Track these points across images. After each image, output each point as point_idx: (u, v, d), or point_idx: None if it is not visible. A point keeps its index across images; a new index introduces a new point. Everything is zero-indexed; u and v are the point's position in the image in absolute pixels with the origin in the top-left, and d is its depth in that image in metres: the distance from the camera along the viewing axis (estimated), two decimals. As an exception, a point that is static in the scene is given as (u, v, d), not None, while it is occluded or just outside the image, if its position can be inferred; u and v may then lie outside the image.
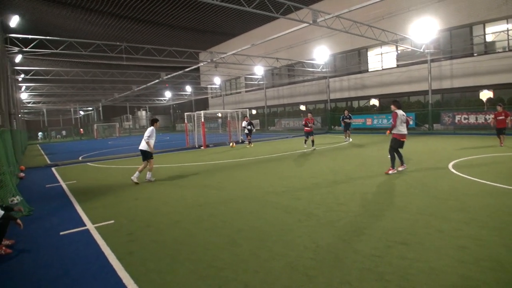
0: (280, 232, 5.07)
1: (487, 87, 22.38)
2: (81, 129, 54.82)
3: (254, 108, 42.70)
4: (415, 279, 3.49)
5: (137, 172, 9.69)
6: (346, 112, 19.66)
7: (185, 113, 24.08)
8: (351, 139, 19.89)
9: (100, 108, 61.14)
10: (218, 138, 27.21)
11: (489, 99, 21.80)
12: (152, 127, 9.69)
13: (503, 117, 13.59)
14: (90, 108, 69.83)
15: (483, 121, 20.37)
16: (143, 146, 9.60)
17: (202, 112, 21.79)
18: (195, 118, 23.05)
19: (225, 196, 7.58)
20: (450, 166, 9.73)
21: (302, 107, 37.12)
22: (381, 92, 28.40)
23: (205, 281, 3.67)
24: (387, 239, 4.59)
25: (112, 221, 6.07)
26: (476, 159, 10.89)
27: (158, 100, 59.96)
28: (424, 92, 24.55)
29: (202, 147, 20.47)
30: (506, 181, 7.51)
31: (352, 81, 30.68)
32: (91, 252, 4.73)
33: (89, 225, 5.92)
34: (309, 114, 16.21)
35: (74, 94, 46.03)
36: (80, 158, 18.35)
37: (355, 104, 31.08)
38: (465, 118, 21.28)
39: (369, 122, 26.75)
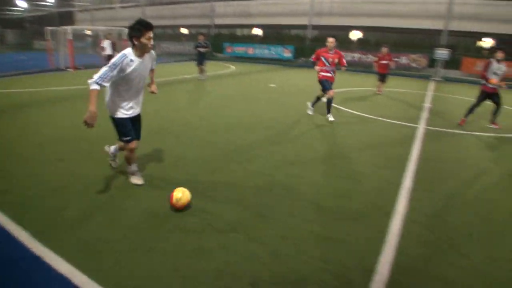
0: (175, 158, 5.03)
1: (358, 28, 24.64)
2: None
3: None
4: (300, 191, 3.98)
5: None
6: (201, 37, 14.08)
7: (47, 28, 20.49)
8: (206, 76, 14.63)
9: None
10: (88, 59, 24.23)
11: (359, 39, 24.21)
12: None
13: (387, 62, 12.08)
14: None
15: (351, 58, 22.75)
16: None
17: (69, 27, 18.82)
18: (60, 35, 19.83)
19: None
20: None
21: (184, 31, 35.29)
22: (265, 22, 28.74)
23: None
24: (275, 160, 5.01)
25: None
26: (342, 92, 12.29)
27: (9, 10, 49.07)
28: (304, 27, 25.78)
29: (70, 69, 18.09)
30: (363, 109, 8.79)
31: (237, 7, 30.08)
32: None
33: None
34: (330, 40, 7.67)
35: None
36: None
37: (239, 32, 30.95)
38: (336, 55, 23.43)
39: (251, 51, 27.16)
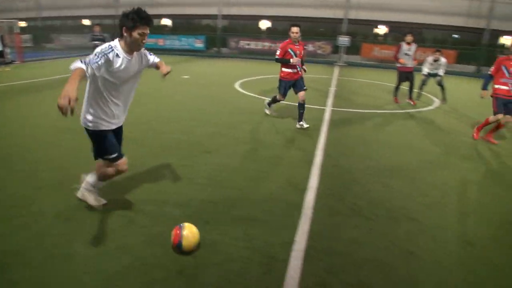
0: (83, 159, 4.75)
1: (267, 17, 25.32)
2: None
3: (23, 20, 34.70)
4: (219, 178, 4.09)
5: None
6: (96, 28, 12.55)
7: None
8: None
9: None
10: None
11: (268, 28, 24.92)
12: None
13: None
14: None
15: (261, 47, 23.40)
16: None
17: None
18: None
19: (11, 128, 6.31)
20: (237, 85, 11.02)
21: (86, 22, 32.71)
22: (174, 12, 27.97)
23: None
24: (193, 149, 5.04)
25: None
26: (257, 80, 12.67)
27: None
28: (214, 16, 25.70)
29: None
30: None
31: (143, -2, 28.78)
32: None
33: None
34: (294, 30, 6.35)
35: None
36: None
37: (148, 23, 29.68)
38: (247, 44, 23.89)
39: (161, 42, 26.29)
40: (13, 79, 11.57)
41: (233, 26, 26.55)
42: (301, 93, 6.47)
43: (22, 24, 34.23)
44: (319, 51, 22.45)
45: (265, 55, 22.32)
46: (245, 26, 25.82)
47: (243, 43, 23.98)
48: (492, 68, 5.96)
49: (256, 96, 9.37)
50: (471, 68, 20.14)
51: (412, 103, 9.06)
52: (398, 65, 8.77)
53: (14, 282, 2.35)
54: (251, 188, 3.87)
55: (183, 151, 4.99)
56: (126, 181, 3.94)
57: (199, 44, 25.09)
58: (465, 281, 2.58)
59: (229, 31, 25.79)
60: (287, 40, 6.44)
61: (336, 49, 21.42)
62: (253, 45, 23.60)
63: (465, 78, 17.23)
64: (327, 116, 7.42)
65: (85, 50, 27.27)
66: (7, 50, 16.06)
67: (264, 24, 25.50)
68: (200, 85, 11.03)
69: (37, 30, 33.17)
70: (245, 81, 12.11)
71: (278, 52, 6.44)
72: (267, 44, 23.19)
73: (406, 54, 8.57)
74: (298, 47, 6.46)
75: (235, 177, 4.17)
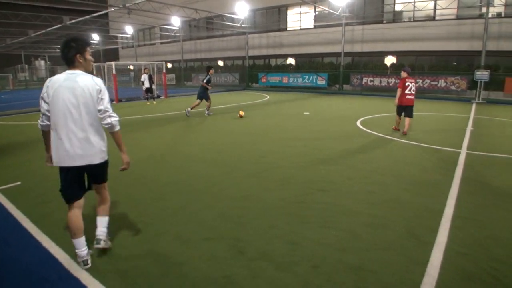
0: (207, 184, 5.13)
1: (392, 53, 24.37)
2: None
3: (170, 62, 40.76)
4: (334, 220, 3.89)
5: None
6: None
7: (93, 64, 22.05)
8: (211, 113, 13.37)
9: (-12, 56, 52.18)
10: (131, 92, 25.58)
11: (392, 64, 23.89)
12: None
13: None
14: (-26, 55, 59.18)
15: (386, 84, 22.47)
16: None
17: (113, 63, 20.10)
18: (105, 70, 21.21)
19: (144, 152, 7.30)
20: (358, 123, 10.67)
21: (220, 63, 36.54)
22: (297, 52, 29.19)
23: (134, 236, 3.60)
24: (307, 187, 4.96)
25: (19, 183, 5.45)
26: (379, 117, 12.09)
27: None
28: (337, 54, 25.89)
29: (114, 102, 19.21)
30: (403, 136, 8.55)
31: (270, 39, 30.86)
32: (-2, 216, 4.22)
33: (-9, 187, 5.24)
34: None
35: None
36: (-34, 112, 15.81)
37: (273, 62, 31.60)
38: (371, 81, 23.22)
39: (285, 80, 27.59)
40: (155, 111, 13.44)
41: (356, 63, 26.28)
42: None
43: (169, 65, 40.20)
44: (452, 87, 20.39)
45: (391, 91, 21.37)
46: (369, 63, 25.25)
47: (366, 80, 23.39)
48: None
49: (381, 135, 8.88)
50: None
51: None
52: None
53: None
54: (366, 234, 3.57)
55: (297, 188, 4.95)
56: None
57: (321, 81, 25.50)
58: None
59: (352, 68, 25.59)
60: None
61: (473, 85, 19.14)
62: (377, 81, 22.86)
63: None
64: (461, 159, 6.53)
65: (216, 88, 30.43)
66: (154, 87, 19.06)
67: (389, 60, 24.50)
68: (319, 120, 11.04)
69: (179, 70, 38.37)
70: (368, 118, 11.68)
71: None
72: (392, 81, 22.18)
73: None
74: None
75: (348, 219, 3.91)
